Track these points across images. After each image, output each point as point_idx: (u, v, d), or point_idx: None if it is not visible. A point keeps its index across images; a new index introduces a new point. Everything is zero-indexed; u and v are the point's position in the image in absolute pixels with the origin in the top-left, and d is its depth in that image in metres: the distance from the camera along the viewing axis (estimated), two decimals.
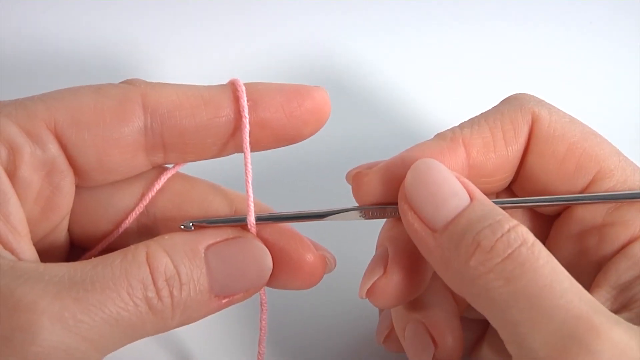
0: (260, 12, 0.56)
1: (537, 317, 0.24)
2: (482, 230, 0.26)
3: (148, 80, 0.31)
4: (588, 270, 0.30)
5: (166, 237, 0.29)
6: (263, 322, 0.33)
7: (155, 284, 0.27)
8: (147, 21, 0.55)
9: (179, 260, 0.28)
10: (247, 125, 0.30)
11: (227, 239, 0.29)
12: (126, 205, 0.32)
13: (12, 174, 0.28)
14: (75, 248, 0.33)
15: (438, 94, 0.52)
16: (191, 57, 0.53)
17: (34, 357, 0.24)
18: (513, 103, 0.31)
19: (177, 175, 0.32)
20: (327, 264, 0.31)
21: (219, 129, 0.30)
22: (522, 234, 0.25)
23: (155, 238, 0.29)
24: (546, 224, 0.33)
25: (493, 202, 0.28)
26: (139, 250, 0.27)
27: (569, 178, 0.31)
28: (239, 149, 0.31)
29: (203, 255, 0.28)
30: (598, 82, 0.53)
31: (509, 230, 0.25)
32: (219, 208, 0.32)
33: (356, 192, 0.31)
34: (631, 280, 0.28)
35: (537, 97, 0.32)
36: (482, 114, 0.31)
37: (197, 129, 0.30)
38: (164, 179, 0.32)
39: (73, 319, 0.25)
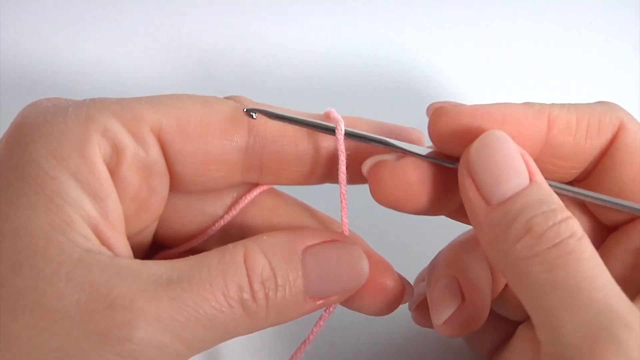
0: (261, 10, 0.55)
1: (574, 305, 0.24)
2: (536, 215, 0.26)
3: (248, 98, 0.32)
4: (637, 287, 0.30)
5: (264, 237, 0.29)
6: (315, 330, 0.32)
7: (251, 286, 0.27)
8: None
9: (276, 262, 0.28)
10: (344, 159, 0.30)
11: (325, 242, 0.29)
12: (215, 212, 0.32)
13: (113, 172, 0.28)
14: (156, 245, 0.33)
15: (437, 95, 0.51)
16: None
17: (129, 354, 0.25)
18: (604, 105, 0.31)
19: (270, 190, 0.33)
20: (405, 293, 0.32)
21: (316, 159, 0.31)
22: (573, 226, 0.26)
23: (253, 238, 0.29)
24: (602, 233, 0.33)
25: (551, 185, 0.28)
26: (237, 250, 0.28)
27: None
28: (334, 180, 0.31)
29: (300, 257, 0.28)
30: (598, 83, 0.53)
31: (560, 221, 0.26)
32: (308, 225, 0.33)
33: (432, 127, 0.30)
34: None
35: (626, 110, 0.31)
36: (572, 103, 0.31)
37: (297, 157, 0.30)
38: (257, 191, 0.32)
39: (169, 318, 0.25)
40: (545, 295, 0.25)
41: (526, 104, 0.30)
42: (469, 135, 0.28)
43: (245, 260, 0.27)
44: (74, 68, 0.50)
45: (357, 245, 0.30)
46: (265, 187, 0.33)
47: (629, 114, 0.31)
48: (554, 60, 0.54)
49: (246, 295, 0.27)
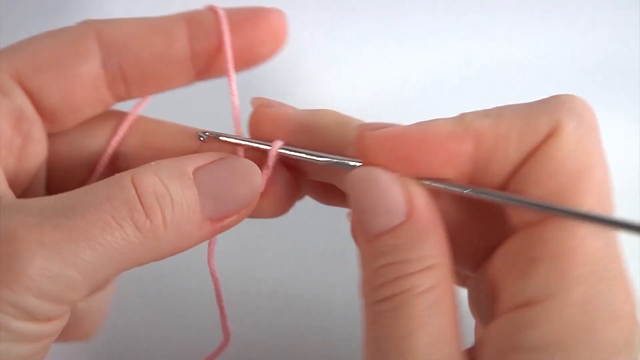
0: None
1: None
2: (387, 265, 0.25)
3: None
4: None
5: (152, 163, 0.28)
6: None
7: (142, 202, 0.26)
8: None
9: (168, 180, 0.27)
10: (230, 48, 0.30)
11: (214, 161, 0.29)
12: (98, 147, 0.32)
13: None
14: None
15: (436, 96, 0.51)
16: None
17: (20, 286, 0.24)
18: (543, 104, 0.26)
19: (145, 118, 0.33)
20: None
21: (175, 56, 0.30)
22: (416, 281, 0.25)
23: (140, 166, 0.28)
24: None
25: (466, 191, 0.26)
26: (123, 175, 0.27)
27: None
28: (200, 77, 0.31)
29: (192, 177, 0.28)
30: (598, 82, 0.52)
31: (403, 277, 0.25)
32: (189, 142, 0.32)
33: (358, 149, 0.28)
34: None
35: (579, 104, 0.26)
36: (512, 105, 0.27)
37: (153, 58, 0.30)
38: (131, 116, 0.32)
39: (53, 244, 0.24)
40: (371, 339, 0.26)
41: (454, 120, 0.27)
42: (395, 153, 0.27)
43: (133, 182, 0.26)
44: None
45: (247, 160, 0.29)
46: (140, 107, 0.33)
47: (575, 110, 0.26)
48: (554, 61, 0.53)
49: (137, 214, 0.26)
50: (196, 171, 0.28)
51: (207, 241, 0.29)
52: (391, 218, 0.25)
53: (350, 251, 0.28)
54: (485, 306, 0.27)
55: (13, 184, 0.29)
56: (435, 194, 0.27)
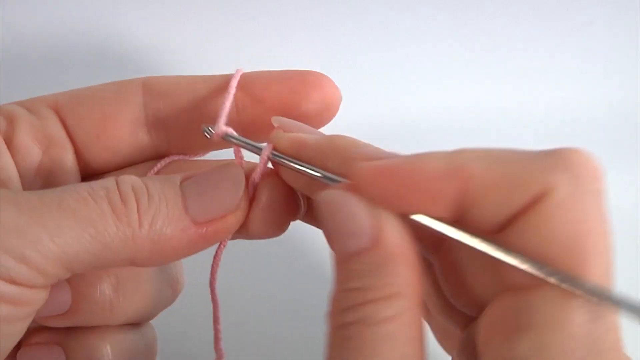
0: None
1: None
2: (349, 290, 0.24)
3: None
4: None
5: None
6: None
7: (119, 187, 0.26)
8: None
9: (149, 181, 0.27)
10: (232, 95, 0.30)
11: (202, 171, 0.28)
12: None
13: (10, 140, 0.29)
14: None
15: (437, 98, 0.51)
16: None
17: None
18: (545, 159, 0.24)
19: (184, 161, 0.32)
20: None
21: (218, 107, 0.30)
22: (376, 311, 0.24)
23: None
24: None
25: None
26: (107, 178, 0.27)
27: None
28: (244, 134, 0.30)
29: (177, 182, 0.28)
30: (598, 83, 0.51)
31: (363, 305, 0.24)
32: None
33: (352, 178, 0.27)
34: None
35: (581, 161, 0.23)
36: (513, 152, 0.25)
37: (196, 105, 0.30)
38: (166, 161, 0.32)
39: (26, 203, 0.24)
40: None
41: (447, 156, 0.25)
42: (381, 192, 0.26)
43: (116, 178, 0.27)
44: None
45: (237, 165, 0.29)
46: (176, 157, 0.32)
47: (574, 169, 0.23)
48: (554, 61, 0.54)
49: (114, 197, 0.26)
50: (183, 179, 0.28)
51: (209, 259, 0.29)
52: (356, 242, 0.24)
53: None
54: None
55: None
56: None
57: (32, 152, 0.30)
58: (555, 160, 0.23)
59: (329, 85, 0.31)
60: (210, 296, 0.31)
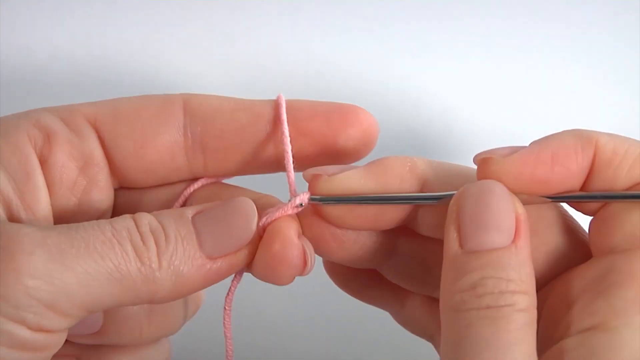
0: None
1: None
2: (491, 277, 0.26)
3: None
4: None
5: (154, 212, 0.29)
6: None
7: (139, 229, 0.26)
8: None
9: (164, 220, 0.27)
10: (286, 130, 0.30)
11: (214, 204, 0.29)
12: (163, 205, 0.32)
13: (46, 158, 0.29)
14: None
15: (440, 100, 0.51)
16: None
17: (15, 282, 0.24)
18: None
19: (218, 183, 0.33)
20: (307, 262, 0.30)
21: (258, 135, 0.30)
22: (517, 300, 0.26)
23: None
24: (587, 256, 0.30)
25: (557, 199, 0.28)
26: (124, 215, 0.27)
27: None
28: (281, 167, 0.31)
29: (190, 219, 0.28)
30: (598, 83, 0.52)
31: (506, 292, 0.26)
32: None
33: (483, 176, 0.29)
34: None
35: None
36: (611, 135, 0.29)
37: (237, 132, 0.30)
38: (201, 182, 0.32)
39: (56, 247, 0.25)
40: (459, 347, 0.25)
41: (574, 133, 0.28)
42: (520, 182, 0.28)
43: (132, 217, 0.27)
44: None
45: (248, 199, 0.29)
46: (211, 180, 0.32)
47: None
48: (554, 61, 0.53)
49: (135, 236, 0.26)
50: (195, 215, 0.28)
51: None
52: (499, 239, 0.26)
53: None
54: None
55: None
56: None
57: (69, 171, 0.30)
58: None
59: (366, 119, 0.31)
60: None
